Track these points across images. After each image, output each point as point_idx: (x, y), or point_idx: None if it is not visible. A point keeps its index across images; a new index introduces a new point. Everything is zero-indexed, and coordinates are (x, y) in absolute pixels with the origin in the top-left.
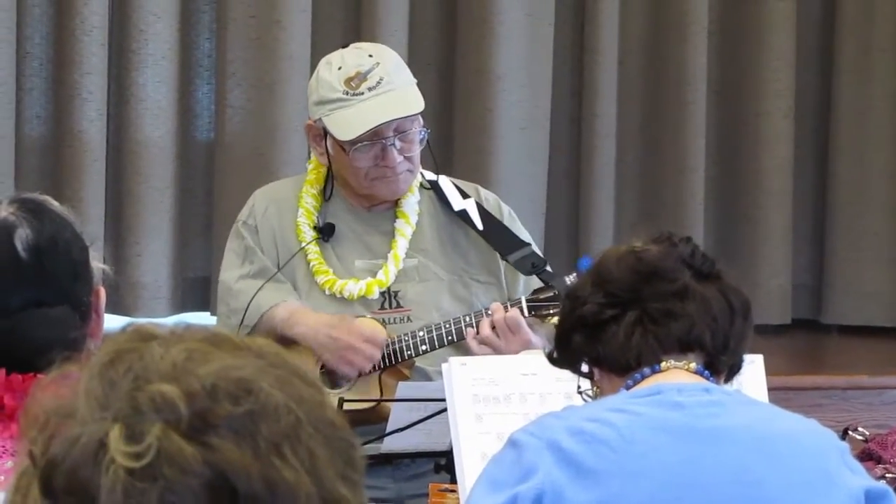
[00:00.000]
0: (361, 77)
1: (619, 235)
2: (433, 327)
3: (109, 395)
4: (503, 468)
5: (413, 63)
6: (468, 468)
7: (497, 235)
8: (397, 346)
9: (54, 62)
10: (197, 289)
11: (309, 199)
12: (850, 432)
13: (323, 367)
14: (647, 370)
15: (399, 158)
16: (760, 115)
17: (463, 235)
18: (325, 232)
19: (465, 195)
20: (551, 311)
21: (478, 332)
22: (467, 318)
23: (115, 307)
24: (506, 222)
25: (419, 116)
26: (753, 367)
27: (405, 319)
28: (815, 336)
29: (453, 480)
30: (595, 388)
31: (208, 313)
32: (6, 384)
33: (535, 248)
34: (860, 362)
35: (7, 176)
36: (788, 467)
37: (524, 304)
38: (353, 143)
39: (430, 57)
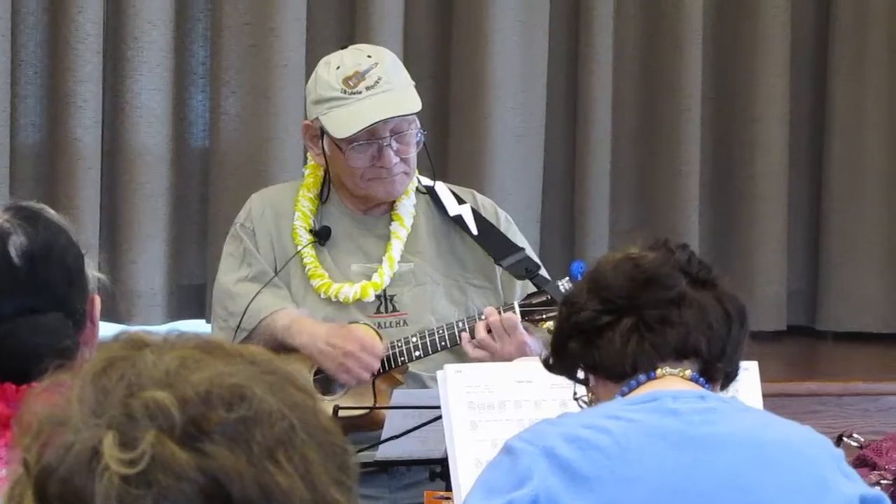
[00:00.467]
0: (360, 76)
1: (614, 242)
2: (426, 333)
3: (103, 403)
4: (498, 475)
5: (408, 70)
6: (463, 476)
7: (491, 240)
8: (391, 351)
9: (49, 70)
10: (192, 296)
11: (305, 203)
12: (844, 439)
13: (317, 373)
14: (642, 377)
15: (395, 159)
16: (755, 121)
17: (459, 240)
18: (321, 235)
19: (461, 201)
20: (544, 316)
21: (472, 336)
22: (460, 324)
23: (110, 315)
24: (502, 228)
25: (416, 119)
26: (748, 374)
27: (401, 323)
28: (811, 342)
29: (448, 488)
30: (590, 395)
31: (203, 321)
32: (0, 393)
33: (531, 253)
34: (855, 369)
35: (2, 184)
36: (783, 474)
37: (517, 309)
38: (349, 141)
39: (425, 65)
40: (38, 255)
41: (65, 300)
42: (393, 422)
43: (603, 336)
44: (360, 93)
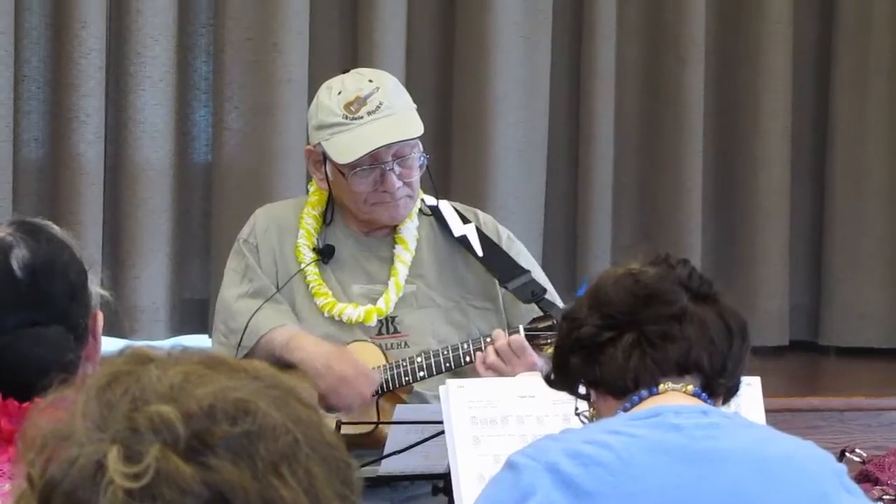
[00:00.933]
0: (361, 101)
1: (616, 257)
2: (431, 354)
3: (107, 417)
4: (501, 490)
5: (410, 86)
6: (466, 490)
7: (496, 262)
8: (395, 371)
9: (52, 85)
10: (195, 311)
11: (310, 221)
12: (847, 454)
13: None
14: (644, 392)
15: (398, 184)
16: (757, 135)
17: (462, 261)
18: (324, 254)
19: (465, 220)
20: (549, 342)
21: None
22: (465, 346)
23: (113, 330)
24: (504, 246)
25: (419, 142)
26: (751, 389)
27: (402, 345)
28: (813, 358)
29: (451, 503)
30: (592, 411)
31: (206, 336)
32: (2, 408)
33: (538, 274)
34: (858, 384)
35: (5, 199)
36: (786, 489)
37: (522, 334)
38: (351, 167)
39: (427, 80)
40: (41, 269)
41: (67, 314)
42: (396, 437)
43: (604, 352)
44: (361, 118)
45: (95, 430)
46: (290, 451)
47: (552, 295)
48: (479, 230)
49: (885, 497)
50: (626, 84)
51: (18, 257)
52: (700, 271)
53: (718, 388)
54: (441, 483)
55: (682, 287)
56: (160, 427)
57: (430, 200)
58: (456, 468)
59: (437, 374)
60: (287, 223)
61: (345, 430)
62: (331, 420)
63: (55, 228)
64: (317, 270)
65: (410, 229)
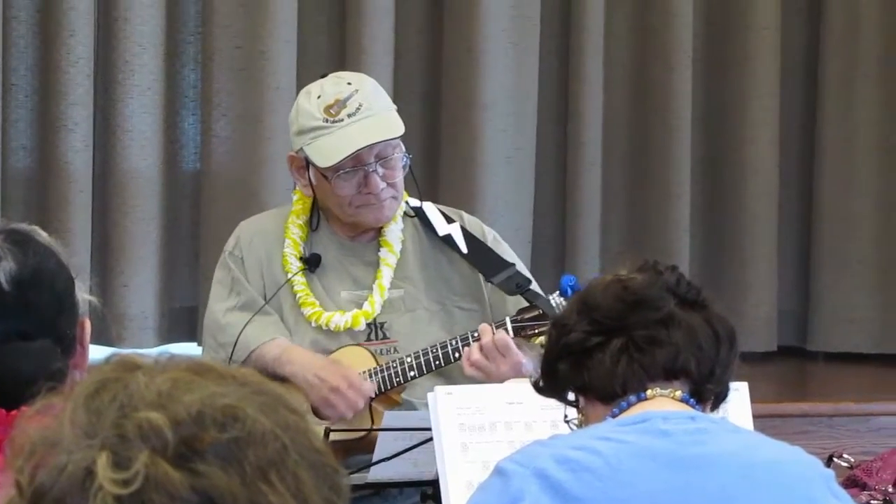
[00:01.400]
0: (341, 104)
1: (605, 263)
2: (420, 353)
3: (95, 424)
4: (490, 496)
5: (398, 93)
6: (455, 497)
7: (481, 258)
8: (386, 373)
9: (39, 93)
10: (184, 319)
11: (295, 230)
12: (835, 459)
13: None
14: (632, 398)
15: (382, 185)
16: (745, 142)
17: (447, 262)
18: (311, 262)
19: (449, 220)
20: (537, 331)
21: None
22: (453, 342)
23: (101, 338)
24: (490, 245)
25: (400, 142)
26: (738, 395)
27: (391, 350)
28: (801, 363)
29: None
30: (581, 417)
31: (195, 344)
32: None
33: (521, 268)
34: (846, 389)
35: None
36: (774, 494)
37: (509, 325)
38: (335, 170)
39: (415, 87)
40: (28, 281)
41: (54, 325)
42: (384, 444)
43: (592, 357)
44: (342, 120)
45: (84, 436)
46: (279, 456)
47: (536, 288)
48: (463, 229)
49: (872, 502)
50: (615, 90)
51: (5, 270)
52: (688, 277)
53: (706, 393)
54: (430, 490)
55: (669, 293)
56: (149, 433)
57: (414, 202)
58: (444, 475)
59: (427, 372)
60: (272, 233)
61: (336, 435)
62: (320, 426)
63: (42, 235)
64: (304, 280)
65: (395, 232)
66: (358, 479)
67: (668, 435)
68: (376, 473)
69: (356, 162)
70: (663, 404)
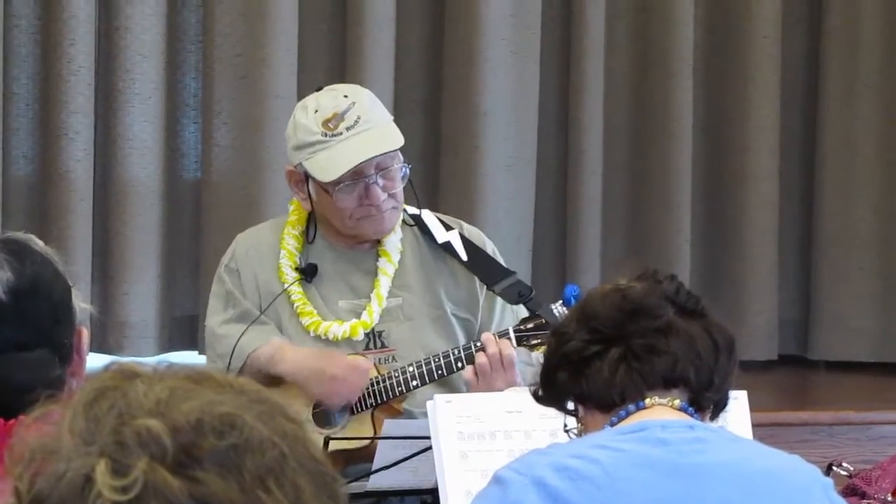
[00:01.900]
0: (339, 118)
1: (605, 272)
2: (423, 362)
3: (94, 431)
4: None
5: (399, 101)
6: None
7: (482, 265)
8: (388, 382)
9: (40, 102)
10: (184, 328)
11: (291, 241)
12: (834, 468)
13: (316, 407)
14: (631, 407)
15: (383, 196)
16: (746, 150)
17: (447, 271)
18: (307, 273)
19: (448, 228)
20: (540, 341)
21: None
22: (455, 352)
23: (102, 346)
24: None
25: (399, 153)
26: (737, 404)
27: (390, 359)
28: (802, 372)
29: None
30: (580, 426)
31: (196, 352)
32: None
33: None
34: (846, 398)
35: None
36: (773, 503)
37: (512, 335)
38: (335, 183)
39: (415, 95)
40: (25, 291)
41: (51, 335)
42: (384, 452)
43: (591, 366)
44: (340, 134)
45: (83, 444)
46: (277, 464)
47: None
48: (462, 236)
49: None
50: (615, 99)
51: (2, 280)
52: (688, 286)
53: (705, 402)
54: (430, 498)
55: (668, 302)
56: (147, 441)
57: (412, 210)
58: (444, 483)
59: (429, 382)
60: (267, 245)
61: (339, 444)
62: (320, 435)
63: (38, 244)
64: (301, 290)
65: (394, 241)
66: (357, 487)
67: (666, 444)
68: (376, 482)
69: (357, 174)
70: (662, 413)
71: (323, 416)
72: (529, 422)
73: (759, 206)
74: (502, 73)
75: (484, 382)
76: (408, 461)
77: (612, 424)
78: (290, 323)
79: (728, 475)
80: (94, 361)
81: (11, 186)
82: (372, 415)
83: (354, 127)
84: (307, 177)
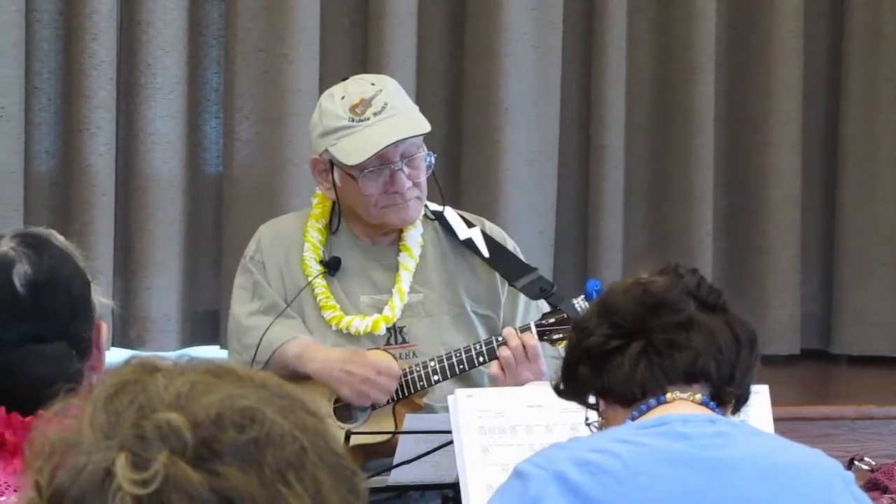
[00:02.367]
0: (366, 103)
1: (627, 266)
2: (444, 357)
3: (114, 425)
4: (508, 499)
5: (421, 96)
6: (475, 500)
7: (504, 262)
8: (409, 377)
9: (62, 97)
10: (206, 322)
11: (315, 234)
12: (855, 462)
13: (337, 401)
14: (652, 401)
15: (408, 184)
16: (768, 146)
17: (467, 268)
18: (331, 266)
19: (470, 225)
20: (562, 335)
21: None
22: (477, 347)
23: (124, 341)
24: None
25: (423, 144)
26: (759, 398)
27: (410, 355)
28: (824, 366)
29: None
30: (601, 420)
31: (217, 347)
32: (6, 421)
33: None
34: (869, 392)
35: (16, 211)
36: (794, 498)
37: (534, 329)
38: (361, 168)
39: (437, 89)
40: (43, 284)
41: (69, 329)
42: (405, 447)
43: (612, 360)
44: (368, 119)
45: (103, 437)
46: (297, 458)
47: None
48: (484, 233)
49: None
50: (637, 93)
51: (20, 273)
52: (711, 280)
53: (727, 396)
54: (451, 493)
55: (690, 296)
56: (168, 434)
57: (435, 206)
58: (465, 478)
59: (451, 376)
60: (292, 237)
61: (360, 439)
62: (341, 430)
63: (59, 239)
64: (324, 283)
65: (414, 237)
66: (378, 482)
67: (687, 438)
68: (397, 476)
69: (382, 160)
70: (683, 407)
71: (344, 410)
72: (550, 416)
73: (780, 201)
74: (524, 67)
75: (510, 376)
76: (429, 456)
77: (633, 419)
78: (313, 315)
79: (749, 469)
80: (116, 356)
81: (34, 182)
82: (393, 409)
83: (381, 113)
84: (332, 165)
